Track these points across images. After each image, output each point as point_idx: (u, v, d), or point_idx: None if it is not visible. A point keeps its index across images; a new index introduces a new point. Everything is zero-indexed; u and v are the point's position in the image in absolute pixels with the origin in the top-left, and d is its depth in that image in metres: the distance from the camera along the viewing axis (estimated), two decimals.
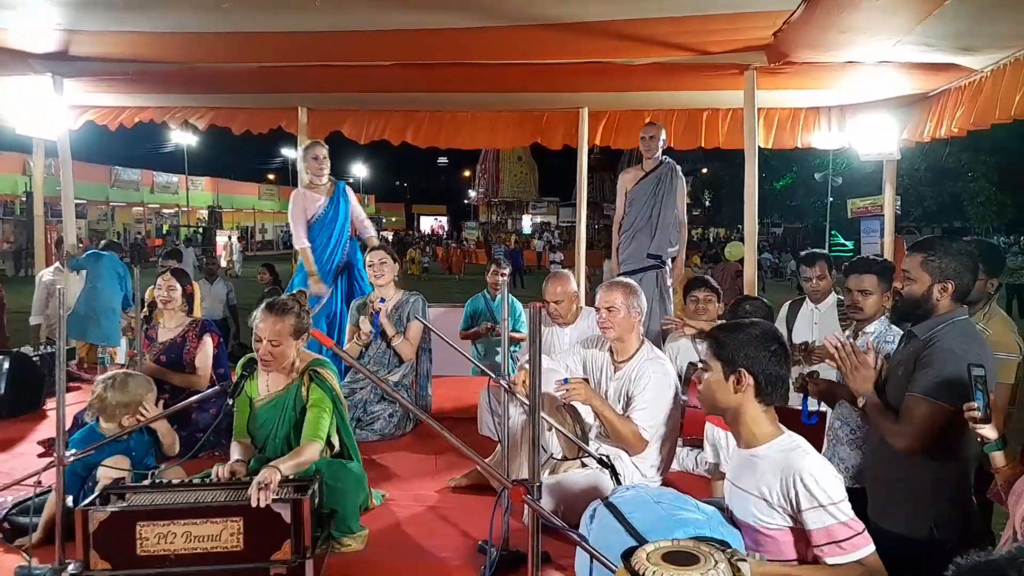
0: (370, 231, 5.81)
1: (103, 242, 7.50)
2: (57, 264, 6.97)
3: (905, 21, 3.91)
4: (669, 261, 5.76)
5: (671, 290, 5.85)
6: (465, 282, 25.03)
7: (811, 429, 2.83)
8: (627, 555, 1.67)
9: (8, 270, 28.35)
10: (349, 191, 5.67)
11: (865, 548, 2.00)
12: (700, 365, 2.29)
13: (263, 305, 3.20)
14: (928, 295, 2.59)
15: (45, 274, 7.05)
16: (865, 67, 4.98)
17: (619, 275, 5.66)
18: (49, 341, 6.51)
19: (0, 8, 4.20)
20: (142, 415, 3.24)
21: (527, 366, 2.49)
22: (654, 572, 1.59)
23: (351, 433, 3.32)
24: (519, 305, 6.49)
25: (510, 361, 3.41)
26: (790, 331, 4.48)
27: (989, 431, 2.24)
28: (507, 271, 6.70)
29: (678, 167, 5.81)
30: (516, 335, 6.27)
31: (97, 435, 3.20)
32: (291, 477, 2.76)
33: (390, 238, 48.48)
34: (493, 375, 2.99)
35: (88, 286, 6.72)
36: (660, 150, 5.75)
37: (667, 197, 5.70)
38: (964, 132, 5.16)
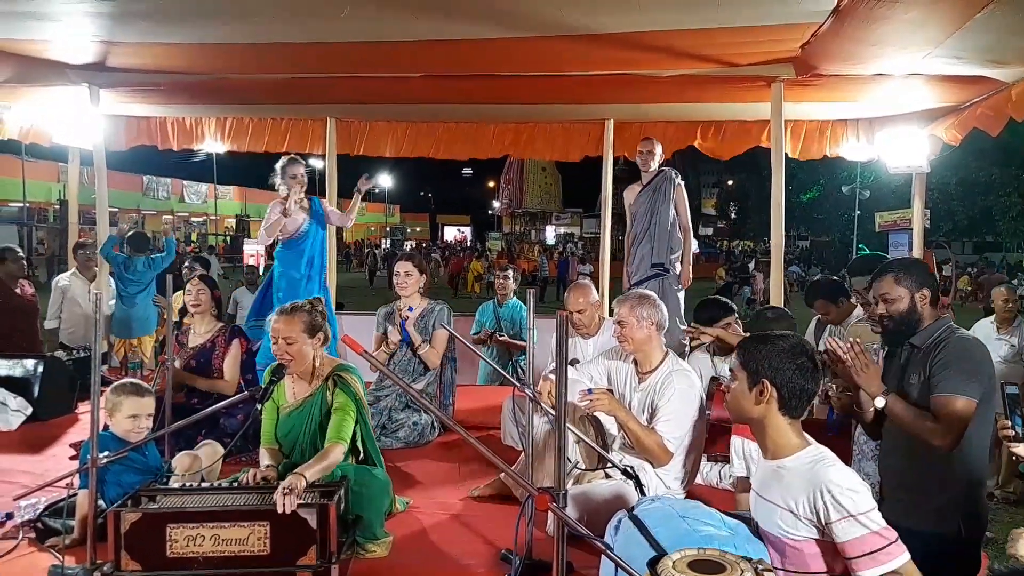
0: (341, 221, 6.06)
1: (130, 232, 7.39)
2: (74, 269, 7.03)
3: (934, 34, 3.89)
4: (677, 266, 5.80)
5: (680, 296, 5.86)
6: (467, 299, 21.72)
7: (838, 444, 2.82)
8: (653, 563, 1.67)
9: (41, 276, 28.84)
10: (323, 202, 5.81)
11: (901, 557, 1.96)
12: (729, 374, 2.29)
13: (276, 309, 3.30)
14: (914, 306, 2.78)
15: (61, 279, 7.14)
16: (894, 79, 4.95)
17: (630, 286, 5.71)
18: (63, 346, 6.60)
19: (42, 20, 4.31)
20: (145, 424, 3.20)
21: (552, 376, 2.50)
22: None
23: (374, 439, 3.35)
24: (526, 312, 6.48)
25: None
26: (816, 345, 4.46)
27: (1023, 451, 2.23)
28: (510, 275, 6.58)
29: (676, 175, 5.88)
30: (519, 343, 6.24)
31: (110, 438, 3.15)
32: (318, 482, 2.80)
33: (412, 247, 48.78)
34: (518, 384, 3.00)
35: (123, 290, 6.84)
36: (656, 163, 5.84)
37: (662, 205, 5.80)
38: (962, 136, 5.39)
